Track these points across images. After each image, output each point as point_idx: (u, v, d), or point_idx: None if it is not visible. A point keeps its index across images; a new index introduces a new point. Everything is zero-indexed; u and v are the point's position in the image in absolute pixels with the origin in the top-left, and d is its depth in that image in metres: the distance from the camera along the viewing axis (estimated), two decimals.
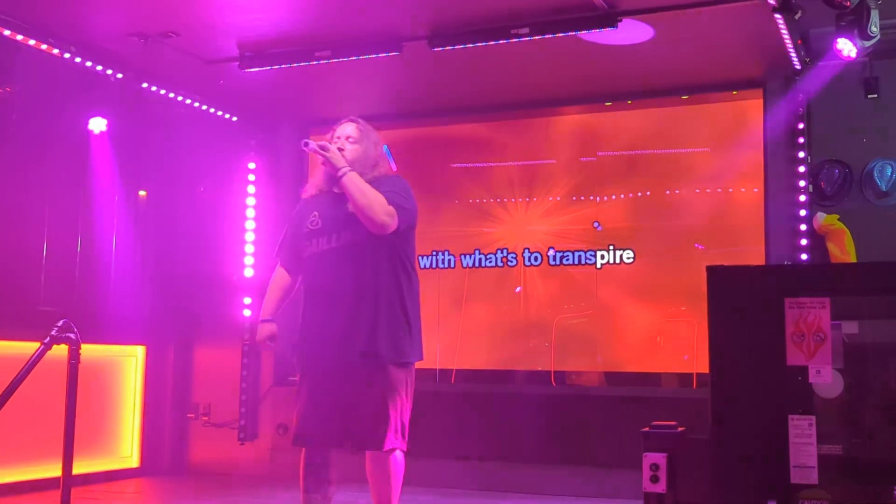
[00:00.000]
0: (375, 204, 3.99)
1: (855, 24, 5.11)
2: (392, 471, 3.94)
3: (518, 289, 7.00)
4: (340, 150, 4.20)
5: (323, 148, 4.15)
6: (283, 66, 6.13)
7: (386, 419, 3.89)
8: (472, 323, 7.01)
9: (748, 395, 3.22)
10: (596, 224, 6.80)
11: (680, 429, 3.39)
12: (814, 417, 3.18)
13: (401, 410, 3.97)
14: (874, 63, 5.94)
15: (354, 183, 4.03)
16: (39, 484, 5.91)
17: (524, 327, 6.95)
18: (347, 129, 4.36)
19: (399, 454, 3.96)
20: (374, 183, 4.10)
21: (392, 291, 4.06)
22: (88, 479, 6.46)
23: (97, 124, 6.81)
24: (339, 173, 4.06)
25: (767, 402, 3.20)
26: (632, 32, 5.63)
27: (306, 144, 4.18)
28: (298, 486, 4.01)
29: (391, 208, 4.03)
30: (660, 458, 3.24)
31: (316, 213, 4.18)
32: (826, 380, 3.23)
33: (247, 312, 7.30)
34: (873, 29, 5.13)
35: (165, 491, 6.71)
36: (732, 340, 3.28)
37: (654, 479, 3.23)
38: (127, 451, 7.17)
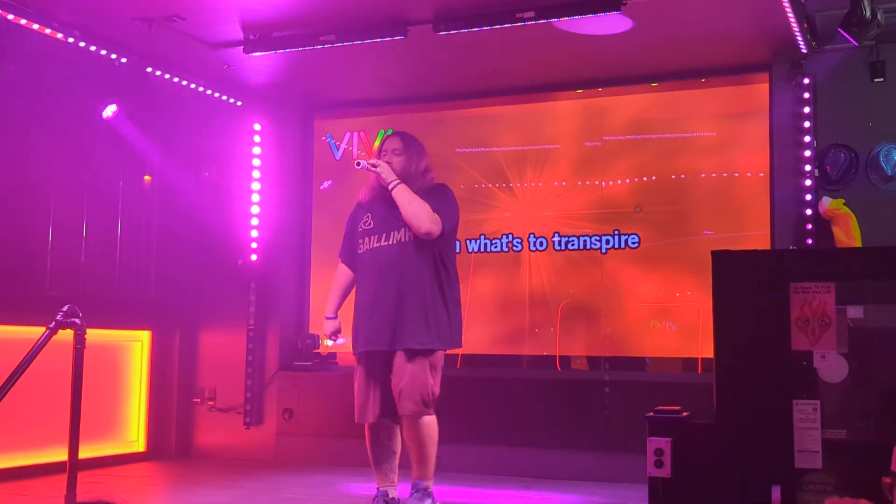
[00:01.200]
0: (422, 214, 4.68)
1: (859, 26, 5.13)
2: (425, 433, 4.66)
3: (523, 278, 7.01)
4: (389, 163, 4.82)
5: (374, 165, 4.79)
6: (287, 50, 6.12)
7: (421, 391, 4.62)
8: (477, 308, 7.01)
9: (753, 379, 3.22)
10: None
11: (684, 414, 3.39)
12: (818, 402, 3.18)
13: (432, 385, 4.68)
14: (880, 47, 5.91)
15: (403, 195, 4.71)
16: (46, 468, 5.94)
17: (529, 312, 6.95)
18: (394, 142, 4.96)
19: (427, 419, 4.66)
20: (422, 191, 4.77)
21: (434, 286, 4.74)
22: (95, 463, 6.49)
23: (102, 109, 6.80)
24: (390, 187, 4.74)
25: (772, 386, 3.20)
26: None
27: (358, 164, 4.85)
28: (368, 459, 4.84)
29: (436, 216, 4.71)
30: (664, 442, 3.24)
31: (369, 214, 4.88)
32: (831, 365, 3.23)
33: (252, 297, 7.32)
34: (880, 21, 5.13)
35: (172, 475, 6.74)
36: (737, 325, 3.27)
37: (659, 464, 3.24)
38: (133, 435, 7.20)
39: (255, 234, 7.42)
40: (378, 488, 4.83)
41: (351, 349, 4.95)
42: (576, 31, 5.84)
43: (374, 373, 4.77)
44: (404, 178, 4.78)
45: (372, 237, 4.82)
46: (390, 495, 4.81)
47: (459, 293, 4.92)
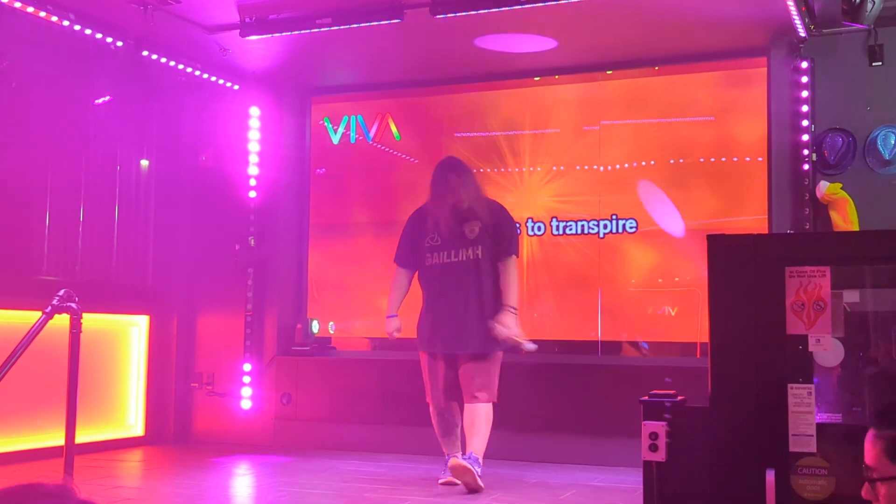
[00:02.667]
0: (516, 276, 5.57)
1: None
2: (486, 417, 5.41)
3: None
4: (459, 200, 5.53)
5: (527, 344, 5.59)
6: (284, 33, 6.10)
7: (490, 385, 5.45)
8: None
9: (748, 363, 3.22)
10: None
11: (679, 398, 3.39)
12: (813, 386, 3.18)
13: (494, 380, 5.48)
14: (879, 30, 5.90)
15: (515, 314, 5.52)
16: (45, 452, 5.95)
17: (528, 297, 6.95)
18: (455, 181, 5.57)
19: (490, 406, 5.44)
20: (492, 215, 5.56)
21: (495, 297, 5.49)
22: (93, 447, 6.50)
23: (98, 93, 6.78)
24: (520, 342, 5.54)
25: (767, 370, 3.20)
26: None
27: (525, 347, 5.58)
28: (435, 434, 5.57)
29: (516, 257, 5.60)
30: (659, 426, 3.24)
31: (437, 232, 5.54)
32: (826, 349, 3.23)
33: (249, 282, 7.33)
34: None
35: (170, 459, 6.75)
36: (732, 309, 3.27)
37: (654, 448, 3.24)
38: (132, 419, 7.21)
39: (252, 218, 7.41)
40: (448, 454, 5.50)
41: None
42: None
43: (440, 366, 5.52)
44: (476, 205, 5.55)
45: (441, 253, 5.52)
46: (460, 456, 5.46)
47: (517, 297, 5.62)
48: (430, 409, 5.59)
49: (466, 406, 5.48)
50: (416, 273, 5.69)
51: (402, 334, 5.71)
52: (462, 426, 5.52)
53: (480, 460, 5.37)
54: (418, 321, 5.64)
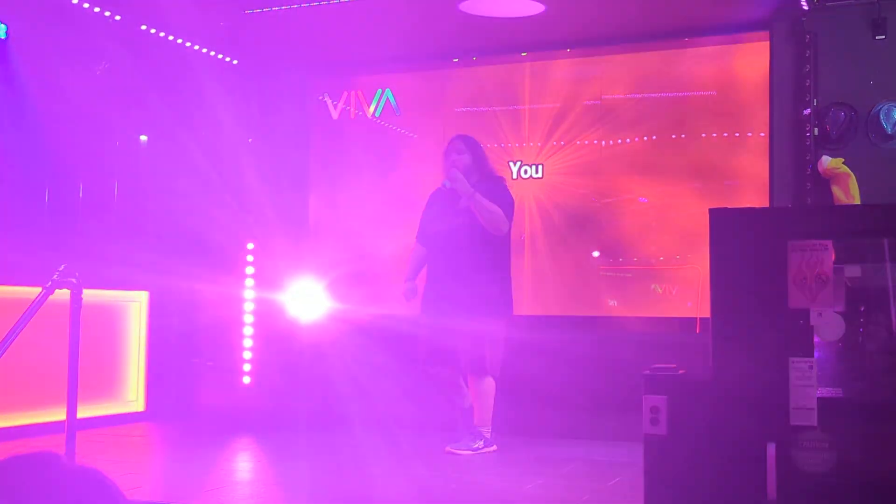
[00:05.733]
0: (498, 220, 5.60)
1: None
2: (484, 389, 5.71)
3: (522, 236, 6.99)
4: (455, 163, 5.69)
5: (452, 179, 5.63)
6: (284, 7, 6.06)
7: (480, 360, 5.67)
8: None
9: (749, 337, 3.22)
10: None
11: (681, 371, 3.39)
12: (814, 360, 3.17)
13: (494, 349, 5.71)
14: (882, 3, 5.86)
15: (480, 204, 5.57)
16: (46, 427, 5.96)
17: (528, 273, 6.95)
18: (456, 145, 5.82)
19: (490, 380, 5.72)
20: (484, 184, 5.65)
21: (491, 262, 5.67)
22: (95, 422, 6.51)
23: (96, 68, 6.75)
24: (468, 198, 5.58)
25: (768, 344, 3.20)
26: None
27: (446, 185, 5.66)
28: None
29: (506, 220, 5.64)
30: (660, 400, 3.24)
31: (438, 203, 5.82)
32: (828, 323, 3.22)
33: (249, 257, 7.32)
34: None
35: (171, 435, 6.77)
36: (734, 283, 3.26)
37: (655, 422, 3.24)
38: (133, 395, 7.22)
39: (251, 193, 7.39)
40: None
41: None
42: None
43: (436, 331, 5.66)
44: (468, 174, 5.66)
45: (440, 221, 5.76)
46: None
47: (510, 267, 5.86)
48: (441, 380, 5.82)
49: (469, 379, 5.76)
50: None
51: (404, 310, 5.92)
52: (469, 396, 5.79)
53: (486, 431, 5.74)
54: (423, 289, 5.89)
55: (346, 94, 7.55)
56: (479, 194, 5.61)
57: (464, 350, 5.67)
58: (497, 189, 5.77)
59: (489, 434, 5.77)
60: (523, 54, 7.06)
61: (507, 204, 5.73)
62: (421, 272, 5.95)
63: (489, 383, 5.74)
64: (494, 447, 5.77)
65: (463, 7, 6.24)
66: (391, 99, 7.42)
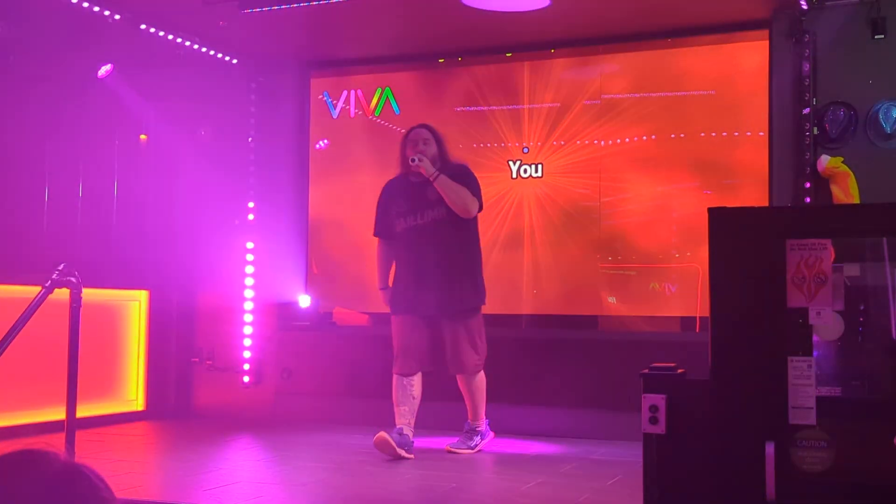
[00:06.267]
0: (465, 198, 5.50)
1: None
2: (474, 386, 5.69)
3: (522, 234, 7.00)
4: (423, 153, 5.52)
5: (420, 160, 5.46)
6: (283, 6, 6.06)
7: (469, 356, 5.59)
8: None
9: (748, 336, 3.22)
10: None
11: (679, 370, 3.39)
12: (813, 359, 3.17)
13: (477, 345, 5.63)
14: (882, 2, 5.86)
15: (446, 184, 5.48)
16: (46, 427, 5.96)
17: (528, 272, 6.96)
18: (422, 133, 5.67)
19: (480, 373, 5.66)
20: (448, 169, 5.53)
21: (465, 254, 5.60)
22: (95, 422, 6.52)
23: (96, 67, 6.75)
24: (433, 178, 5.47)
25: (767, 343, 3.20)
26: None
27: (412, 161, 5.48)
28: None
29: (475, 199, 5.53)
30: (659, 399, 3.24)
31: (402, 196, 5.62)
32: (826, 322, 3.22)
33: (249, 257, 7.33)
34: None
35: (170, 434, 6.78)
36: (733, 282, 3.26)
37: (654, 421, 3.24)
38: (132, 394, 7.23)
39: (251, 193, 7.40)
40: (397, 424, 5.54)
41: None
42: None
43: (414, 331, 5.60)
44: (436, 159, 5.54)
45: (408, 217, 5.59)
46: (405, 432, 5.50)
47: (481, 260, 5.77)
48: (394, 379, 5.64)
49: (458, 377, 5.70)
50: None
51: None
52: (419, 399, 5.67)
53: (481, 426, 5.72)
54: (392, 286, 5.76)
55: (345, 93, 7.55)
56: (444, 175, 5.50)
57: (455, 351, 5.62)
58: (462, 171, 5.68)
59: (484, 427, 5.79)
60: (523, 53, 7.06)
61: (473, 185, 5.62)
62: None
63: (478, 378, 5.70)
64: (492, 434, 5.86)
65: (466, 1, 6.22)
66: (391, 98, 7.41)
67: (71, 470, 1.37)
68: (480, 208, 5.67)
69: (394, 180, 5.81)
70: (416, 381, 5.62)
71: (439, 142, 5.69)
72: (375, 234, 5.89)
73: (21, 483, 1.32)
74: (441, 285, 5.52)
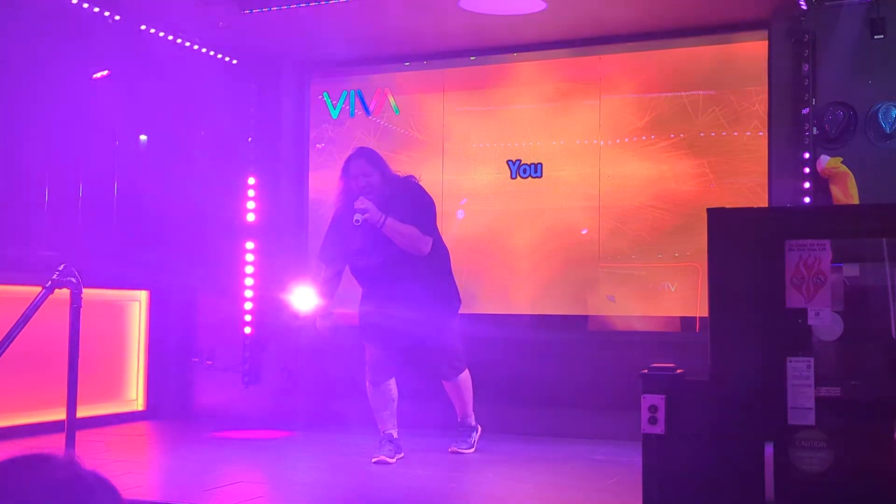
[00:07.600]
0: (415, 240, 5.32)
1: None
2: (459, 388, 5.72)
3: (522, 235, 7.00)
4: (366, 187, 5.32)
5: (363, 212, 5.22)
6: (283, 7, 6.06)
7: (451, 366, 5.62)
8: (470, 270, 7.00)
9: (747, 337, 3.23)
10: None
11: (678, 370, 3.40)
12: (812, 360, 3.18)
13: (460, 349, 5.66)
14: (881, 3, 5.86)
15: (394, 228, 5.27)
16: (46, 427, 5.97)
17: (528, 272, 6.96)
18: (361, 167, 5.41)
19: (463, 375, 5.67)
20: (394, 199, 5.31)
21: (431, 274, 5.44)
22: (95, 422, 6.53)
23: (96, 68, 6.76)
24: (380, 225, 5.25)
25: (766, 344, 3.21)
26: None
27: (357, 221, 5.24)
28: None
29: (426, 237, 5.34)
30: (658, 399, 3.25)
31: (358, 234, 5.34)
32: (825, 322, 3.23)
33: (249, 257, 7.34)
34: None
35: (171, 434, 6.78)
36: (732, 282, 3.27)
37: (653, 421, 3.25)
38: (133, 394, 7.24)
39: (251, 192, 7.41)
40: (382, 431, 5.54)
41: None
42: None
43: (388, 355, 5.55)
44: (382, 190, 5.33)
45: (370, 255, 5.40)
46: (394, 437, 5.53)
47: (450, 263, 5.65)
48: (368, 388, 5.60)
49: (444, 383, 5.73)
50: (347, 268, 5.62)
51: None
52: (396, 399, 5.64)
53: (472, 420, 5.81)
54: (359, 313, 5.62)
55: (345, 93, 7.56)
56: (390, 219, 5.26)
57: (435, 365, 5.67)
58: (409, 198, 5.43)
59: (474, 421, 5.86)
60: (522, 54, 7.06)
61: (424, 212, 5.42)
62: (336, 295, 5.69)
63: (462, 378, 5.68)
64: (479, 428, 5.89)
65: (462, 4, 6.23)
66: (391, 98, 7.42)
67: (78, 475, 1.37)
68: (436, 236, 5.47)
69: (345, 214, 5.47)
70: (391, 383, 5.59)
71: (379, 166, 5.43)
72: (321, 260, 5.69)
73: (28, 487, 1.32)
74: (411, 317, 5.38)
